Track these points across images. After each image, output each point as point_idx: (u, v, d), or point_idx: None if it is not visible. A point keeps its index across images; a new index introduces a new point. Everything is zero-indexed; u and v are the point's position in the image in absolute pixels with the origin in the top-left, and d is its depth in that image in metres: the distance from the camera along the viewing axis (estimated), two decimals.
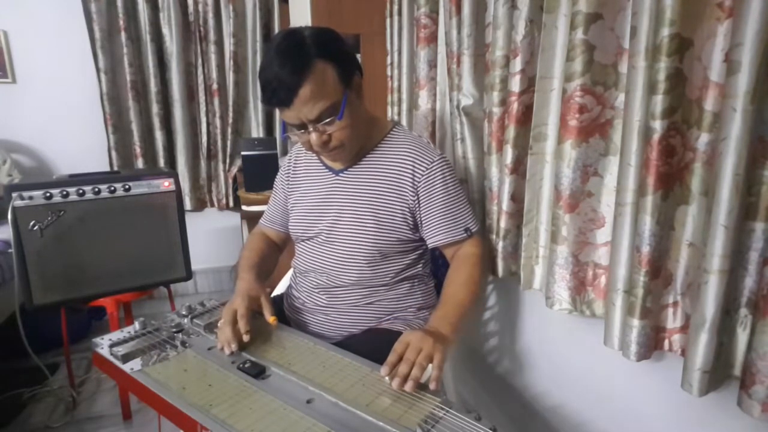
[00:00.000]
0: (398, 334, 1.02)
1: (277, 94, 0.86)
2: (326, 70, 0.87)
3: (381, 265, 1.03)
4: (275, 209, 1.19)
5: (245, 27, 2.53)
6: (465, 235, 1.01)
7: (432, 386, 0.75)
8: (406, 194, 1.00)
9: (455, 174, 1.04)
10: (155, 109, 2.46)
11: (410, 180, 0.99)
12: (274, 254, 1.19)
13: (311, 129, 0.91)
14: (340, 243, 1.03)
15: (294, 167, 1.15)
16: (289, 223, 1.13)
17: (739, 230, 0.65)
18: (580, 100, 0.86)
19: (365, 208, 1.01)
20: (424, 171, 0.99)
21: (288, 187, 1.15)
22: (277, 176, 1.21)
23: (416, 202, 1.00)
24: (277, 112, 2.61)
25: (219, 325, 0.89)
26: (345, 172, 1.04)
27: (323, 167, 1.08)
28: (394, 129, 1.06)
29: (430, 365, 0.77)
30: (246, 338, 0.87)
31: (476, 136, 1.23)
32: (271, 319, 0.93)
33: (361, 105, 0.98)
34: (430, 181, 0.99)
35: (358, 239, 1.01)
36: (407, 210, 1.00)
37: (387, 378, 0.76)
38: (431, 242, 1.02)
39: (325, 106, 0.88)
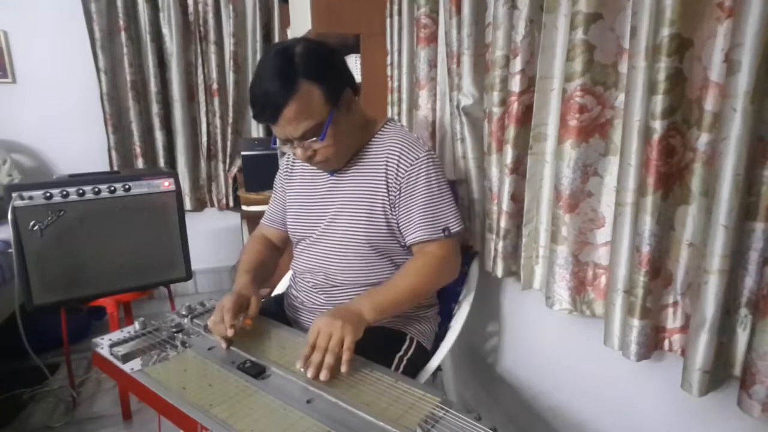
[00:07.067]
0: (397, 333, 1.03)
1: (264, 112, 0.92)
2: (312, 91, 0.90)
3: (375, 262, 1.03)
4: (276, 208, 1.20)
5: (245, 27, 2.53)
6: (442, 235, 0.99)
7: (343, 369, 0.76)
8: (392, 188, 1.00)
9: (441, 171, 1.03)
10: (155, 109, 2.46)
11: (394, 175, 1.00)
12: (273, 257, 1.19)
13: (296, 145, 0.95)
14: (335, 241, 1.03)
15: (293, 165, 1.17)
16: (287, 224, 1.14)
17: (739, 230, 0.65)
18: (580, 100, 0.86)
19: (357, 204, 1.02)
20: (407, 167, 0.99)
21: (286, 184, 1.17)
22: (277, 175, 1.22)
23: (398, 197, 1.00)
24: None
25: (209, 322, 0.90)
26: (338, 171, 1.06)
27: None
28: (386, 126, 1.07)
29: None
30: (230, 332, 0.85)
31: (476, 136, 1.23)
32: (246, 320, 0.90)
33: (351, 118, 0.98)
34: (413, 178, 0.99)
35: (352, 235, 1.02)
36: (393, 205, 1.01)
37: (302, 369, 0.76)
38: (409, 239, 1.00)
39: (309, 126, 0.91)
